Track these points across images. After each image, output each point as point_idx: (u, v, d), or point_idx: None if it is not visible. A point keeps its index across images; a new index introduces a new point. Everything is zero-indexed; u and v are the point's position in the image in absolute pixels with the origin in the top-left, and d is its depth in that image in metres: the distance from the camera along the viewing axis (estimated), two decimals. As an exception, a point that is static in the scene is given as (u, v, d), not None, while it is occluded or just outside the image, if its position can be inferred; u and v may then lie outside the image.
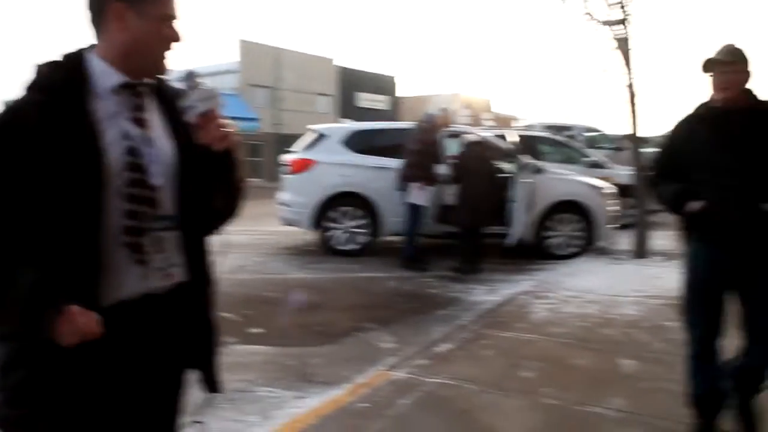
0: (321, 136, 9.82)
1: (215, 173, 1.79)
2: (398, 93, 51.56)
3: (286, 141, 33.31)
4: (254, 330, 5.45)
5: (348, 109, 41.80)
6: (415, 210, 8.29)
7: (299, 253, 9.75)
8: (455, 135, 9.20)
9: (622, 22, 9.07)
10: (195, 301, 1.84)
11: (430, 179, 8.27)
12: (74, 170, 1.55)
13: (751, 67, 2.95)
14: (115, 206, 1.62)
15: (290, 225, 9.84)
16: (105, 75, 1.67)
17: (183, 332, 1.81)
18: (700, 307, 3.14)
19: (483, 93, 77.58)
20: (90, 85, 1.65)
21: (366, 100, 46.74)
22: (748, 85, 2.97)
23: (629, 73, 8.81)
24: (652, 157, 3.47)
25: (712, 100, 3.02)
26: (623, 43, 8.95)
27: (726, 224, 2.94)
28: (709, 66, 2.95)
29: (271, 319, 5.86)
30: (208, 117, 1.70)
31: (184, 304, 1.80)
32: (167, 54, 1.73)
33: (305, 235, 10.08)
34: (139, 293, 1.68)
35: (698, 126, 3.06)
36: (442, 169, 8.42)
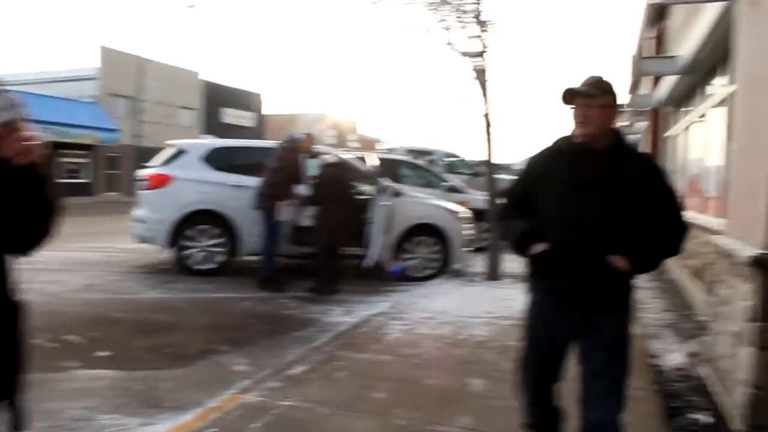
0: (180, 152, 9.55)
1: (18, 190, 1.63)
2: (265, 110, 51.16)
3: (146, 154, 32.11)
4: (100, 353, 5.17)
5: (212, 125, 40.85)
6: (273, 230, 8.23)
7: (153, 271, 9.39)
8: (315, 156, 9.27)
9: (481, 54, 9.54)
10: None
11: (289, 199, 8.26)
12: None
13: (617, 103, 2.75)
14: None
15: (145, 242, 9.44)
16: None
17: None
18: (537, 357, 2.98)
19: (350, 115, 78.62)
20: None
21: (231, 116, 45.98)
22: (613, 124, 2.76)
23: (486, 103, 9.25)
24: (505, 187, 3.37)
25: (573, 135, 2.77)
26: (481, 74, 9.39)
27: (566, 273, 2.74)
28: (568, 98, 2.71)
29: (119, 341, 5.59)
30: (10, 128, 1.56)
31: None
32: None
33: (161, 253, 9.71)
34: None
35: (554, 161, 2.82)
36: (301, 190, 8.44)
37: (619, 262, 2.65)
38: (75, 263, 9.79)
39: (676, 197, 2.75)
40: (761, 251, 3.56)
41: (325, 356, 5.11)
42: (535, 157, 2.99)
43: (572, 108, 2.72)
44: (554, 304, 2.83)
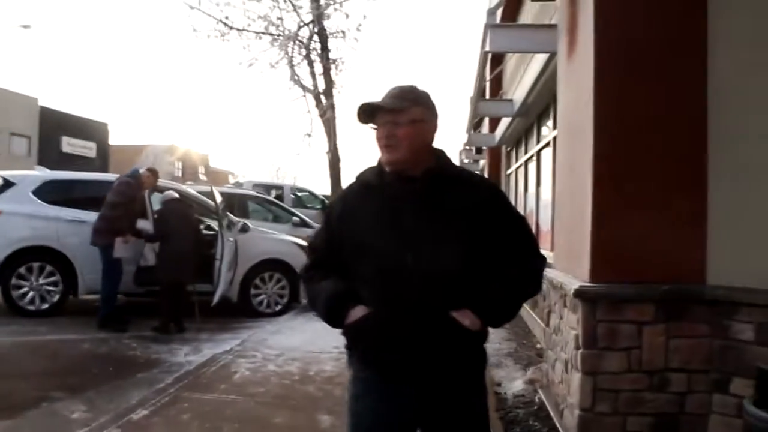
0: (8, 184, 8.92)
1: None
2: (111, 141, 48.86)
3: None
4: None
5: (50, 154, 38.40)
6: (112, 267, 7.88)
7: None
8: (159, 190, 9.00)
9: (328, 91, 9.78)
10: None
11: (128, 235, 7.98)
12: None
13: (434, 115, 2.17)
14: None
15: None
16: None
17: None
18: None
19: (202, 147, 76.81)
20: None
21: (73, 145, 43.47)
22: (430, 142, 2.17)
23: (333, 139, 9.46)
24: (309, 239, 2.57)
25: (381, 162, 2.16)
26: (329, 111, 9.61)
27: (394, 342, 2.07)
28: (367, 114, 2.12)
29: None
30: None
31: None
32: None
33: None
34: None
35: (362, 200, 2.18)
36: (145, 225, 8.15)
37: (464, 318, 2.05)
38: None
39: (526, 224, 2.27)
40: (584, 284, 3.90)
41: (170, 398, 4.94)
42: (336, 199, 2.35)
43: (374, 128, 2.14)
44: (384, 383, 2.13)
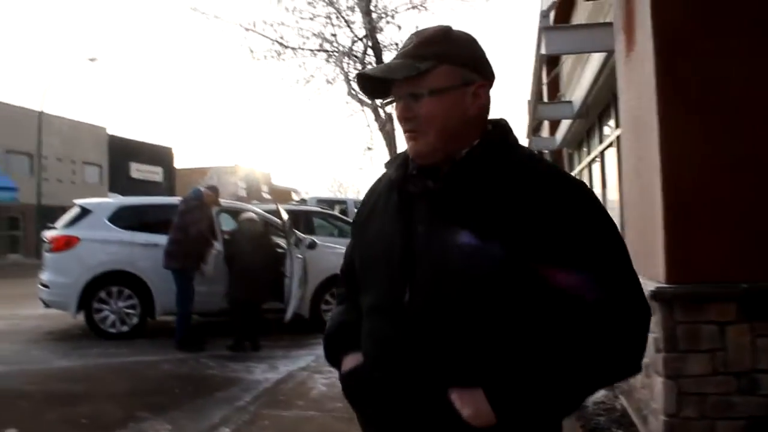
0: (85, 212, 9.30)
1: None
2: (176, 164, 50.35)
3: (49, 213, 30.94)
4: (9, 431, 4.93)
5: (120, 180, 39.87)
6: (186, 288, 8.09)
7: (64, 338, 9.00)
8: (229, 211, 9.22)
9: (386, 103, 9.86)
10: None
11: (201, 257, 8.18)
12: None
13: (474, 75, 1.42)
14: None
15: (53, 307, 9.09)
16: None
17: None
18: None
19: (264, 166, 78.37)
20: None
21: (140, 171, 44.99)
22: (477, 114, 1.44)
23: (393, 151, 9.51)
24: None
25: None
26: (388, 123, 9.67)
27: (383, 412, 1.45)
28: (370, 89, 1.53)
29: (27, 415, 5.34)
30: None
31: None
32: None
33: (71, 317, 9.34)
34: None
35: (381, 199, 1.56)
36: (216, 246, 8.36)
37: (465, 404, 1.31)
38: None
39: (617, 248, 1.38)
40: (660, 285, 3.82)
41: (250, 416, 5.06)
42: (366, 194, 1.69)
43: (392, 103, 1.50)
44: None
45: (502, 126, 1.49)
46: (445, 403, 1.32)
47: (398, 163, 1.52)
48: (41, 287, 9.09)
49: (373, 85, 1.50)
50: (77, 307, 8.74)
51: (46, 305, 9.12)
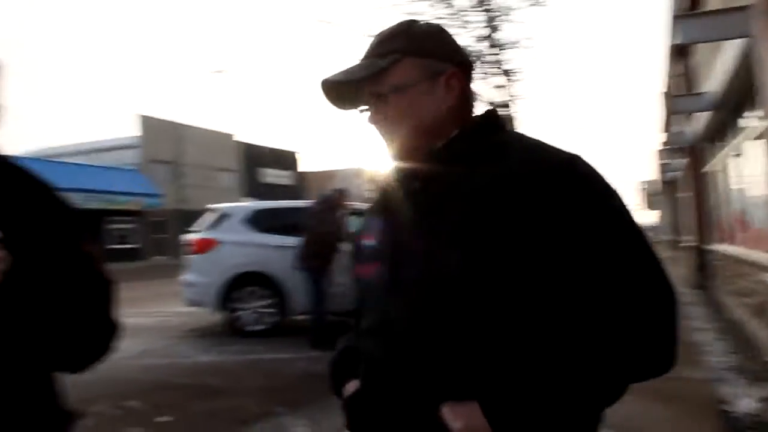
0: (223, 216, 9.84)
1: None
2: (302, 168, 52.03)
3: (190, 217, 32.87)
4: (161, 419, 5.30)
5: (252, 185, 41.74)
6: (319, 289, 8.32)
7: (206, 334, 9.59)
8: (358, 213, 9.44)
9: (507, 103, 9.73)
10: None
11: (330, 258, 8.39)
12: None
13: (439, 65, 1.30)
14: None
15: (195, 306, 9.71)
16: None
17: None
18: None
19: (387, 167, 79.22)
20: None
21: (270, 175, 46.91)
22: (460, 108, 1.33)
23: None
24: None
25: None
26: (509, 123, 9.58)
27: (381, 425, 1.32)
28: (337, 98, 1.38)
29: (178, 406, 5.74)
30: None
31: None
32: None
33: (211, 315, 9.95)
34: None
35: (378, 204, 1.47)
36: (344, 248, 8.59)
37: (457, 418, 1.17)
38: (129, 329, 9.99)
39: (624, 228, 1.19)
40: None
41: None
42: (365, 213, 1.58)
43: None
44: None
45: (485, 115, 1.36)
46: (438, 421, 1.18)
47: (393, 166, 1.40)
48: (184, 287, 9.75)
49: (339, 93, 1.37)
50: (217, 306, 9.30)
51: (189, 304, 9.78)
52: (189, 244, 9.83)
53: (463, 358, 1.20)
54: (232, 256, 9.32)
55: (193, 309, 9.96)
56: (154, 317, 10.96)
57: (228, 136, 44.13)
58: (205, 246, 9.51)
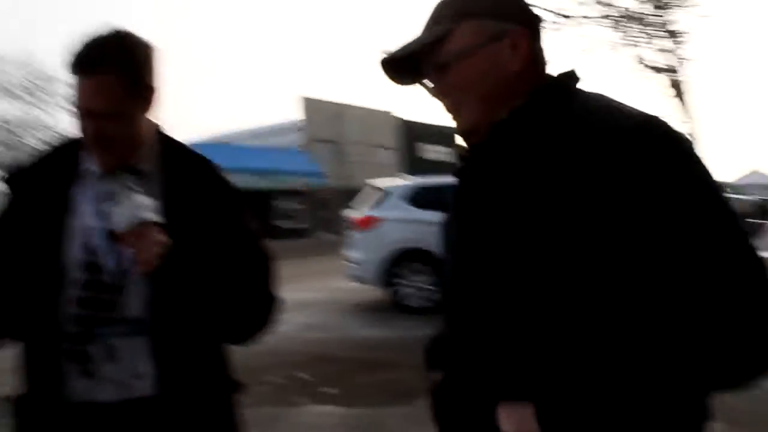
0: (384, 193, 9.99)
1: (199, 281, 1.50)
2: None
3: (352, 194, 33.83)
4: (327, 390, 5.51)
5: (412, 161, 42.20)
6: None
7: (369, 309, 9.83)
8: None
9: (674, 68, 9.07)
10: (173, 418, 1.51)
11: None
12: (33, 260, 1.48)
13: (503, 25, 1.17)
14: (67, 309, 1.48)
15: (358, 282, 9.96)
16: (90, 160, 1.58)
17: None
18: None
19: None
20: (81, 162, 1.58)
21: (429, 151, 47.16)
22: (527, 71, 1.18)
23: (688, 119, 8.72)
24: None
25: None
26: (678, 89, 8.89)
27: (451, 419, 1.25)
28: (394, 71, 1.27)
29: (343, 378, 5.92)
30: (138, 232, 1.43)
31: (156, 421, 1.50)
32: (102, 148, 1.53)
33: (374, 291, 10.17)
34: (90, 402, 1.48)
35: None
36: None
37: (509, 420, 1.05)
38: (296, 304, 10.52)
39: (721, 210, 1.01)
40: None
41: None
42: None
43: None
44: None
45: (557, 78, 1.20)
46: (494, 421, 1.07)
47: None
48: (347, 263, 10.02)
49: (399, 68, 1.26)
50: (379, 282, 9.48)
51: (352, 280, 10.04)
52: (351, 221, 10.07)
53: (524, 355, 1.07)
54: (393, 233, 9.44)
55: (356, 285, 10.23)
56: (320, 292, 11.38)
57: (387, 114, 44.80)
58: (367, 223, 9.70)
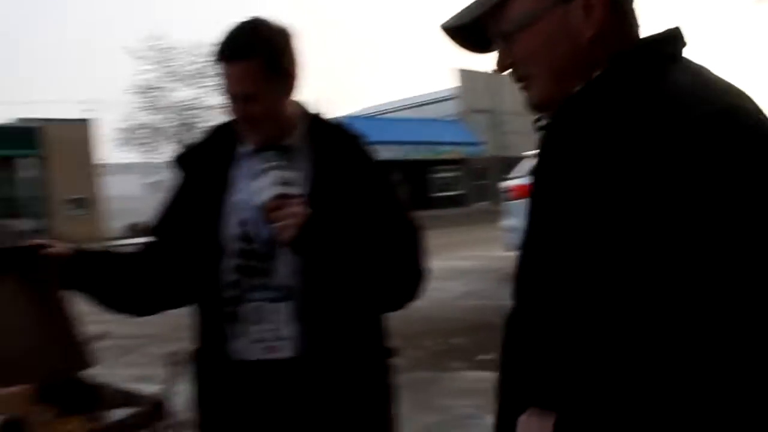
0: (540, 161, 9.74)
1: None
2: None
3: (509, 163, 33.36)
4: (483, 356, 5.56)
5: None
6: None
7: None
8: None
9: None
10: (317, 379, 1.62)
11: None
12: (198, 233, 1.69)
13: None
14: (226, 276, 1.66)
15: (515, 251, 9.81)
16: (243, 140, 1.74)
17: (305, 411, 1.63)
18: None
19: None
20: (239, 143, 1.74)
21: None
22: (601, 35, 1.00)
23: None
24: None
25: None
26: None
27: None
28: (460, 41, 1.14)
29: (499, 345, 5.92)
30: (279, 204, 1.55)
31: (300, 381, 1.62)
32: (251, 128, 1.67)
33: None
34: (245, 360, 1.64)
35: None
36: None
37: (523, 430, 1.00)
38: (453, 271, 10.64)
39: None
40: None
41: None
42: None
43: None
44: None
45: (646, 42, 1.01)
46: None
47: None
48: (504, 233, 9.95)
49: (465, 37, 1.11)
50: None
51: (509, 249, 9.97)
52: (508, 190, 9.97)
53: (558, 359, 0.95)
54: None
55: (513, 253, 10.10)
56: (477, 261, 11.41)
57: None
58: (523, 192, 9.53)
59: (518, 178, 9.95)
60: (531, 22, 1.02)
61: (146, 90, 30.53)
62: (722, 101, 0.90)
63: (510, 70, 1.10)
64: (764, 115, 0.91)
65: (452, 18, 1.10)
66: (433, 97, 39.45)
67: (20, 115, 29.13)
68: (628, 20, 1.03)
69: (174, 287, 1.75)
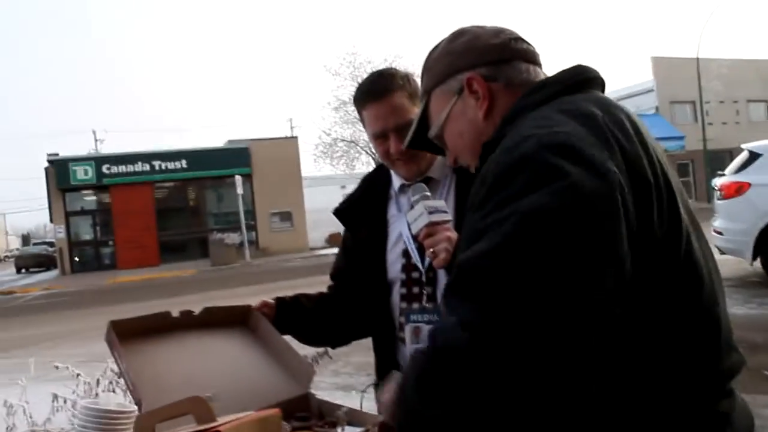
0: (753, 156, 8.93)
1: None
2: None
3: (715, 158, 31.00)
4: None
5: None
6: None
7: (741, 285, 8.96)
8: None
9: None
10: None
11: None
12: (368, 274, 1.90)
13: (461, 75, 1.27)
14: (395, 304, 1.87)
15: (726, 254, 9.10)
16: (395, 179, 1.94)
17: None
18: None
19: None
20: (391, 186, 1.95)
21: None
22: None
23: None
24: None
25: None
26: None
27: None
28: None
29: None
30: (431, 231, 1.63)
31: None
32: (405, 161, 1.81)
33: (742, 264, 9.22)
34: None
35: None
36: None
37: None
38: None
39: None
40: None
41: None
42: None
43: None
44: None
45: (516, 104, 1.19)
46: None
47: None
48: (714, 234, 9.23)
49: (424, 147, 1.49)
50: (753, 254, 8.55)
51: (721, 252, 9.22)
52: (718, 188, 9.24)
53: None
54: (766, 200, 8.41)
55: (722, 257, 9.40)
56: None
57: (757, 62, 39.51)
58: (734, 190, 8.82)
59: (728, 175, 9.20)
60: (444, 122, 1.29)
61: (342, 104, 31.86)
62: (523, 135, 1.03)
63: (455, 161, 1.34)
64: (605, 145, 1.01)
65: (407, 140, 1.46)
66: (629, 91, 37.44)
67: (230, 137, 31.75)
68: (506, 90, 1.22)
69: (356, 322, 1.99)
